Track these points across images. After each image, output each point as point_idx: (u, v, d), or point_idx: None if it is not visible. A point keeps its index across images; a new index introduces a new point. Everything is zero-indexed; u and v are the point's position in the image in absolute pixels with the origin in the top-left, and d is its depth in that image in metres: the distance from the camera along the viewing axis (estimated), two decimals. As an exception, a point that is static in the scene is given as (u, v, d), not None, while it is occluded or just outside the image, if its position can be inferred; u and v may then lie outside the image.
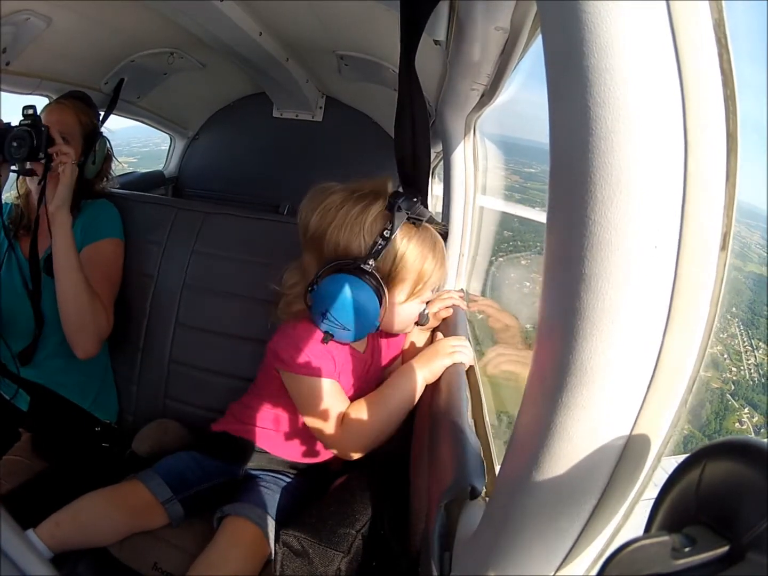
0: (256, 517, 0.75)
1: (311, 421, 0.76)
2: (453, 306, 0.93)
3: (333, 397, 0.76)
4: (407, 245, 0.74)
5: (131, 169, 1.93)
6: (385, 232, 0.72)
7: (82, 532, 0.74)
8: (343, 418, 0.75)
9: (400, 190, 0.79)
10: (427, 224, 0.77)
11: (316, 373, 0.76)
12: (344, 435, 0.74)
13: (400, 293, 0.77)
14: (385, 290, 0.73)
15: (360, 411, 0.75)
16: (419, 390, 0.77)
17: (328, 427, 0.75)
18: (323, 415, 0.75)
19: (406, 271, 0.75)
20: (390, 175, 0.81)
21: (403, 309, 0.79)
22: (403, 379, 0.77)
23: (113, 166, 1.19)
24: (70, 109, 1.05)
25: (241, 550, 0.72)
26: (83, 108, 1.08)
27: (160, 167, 2.03)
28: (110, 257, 1.06)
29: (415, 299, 0.79)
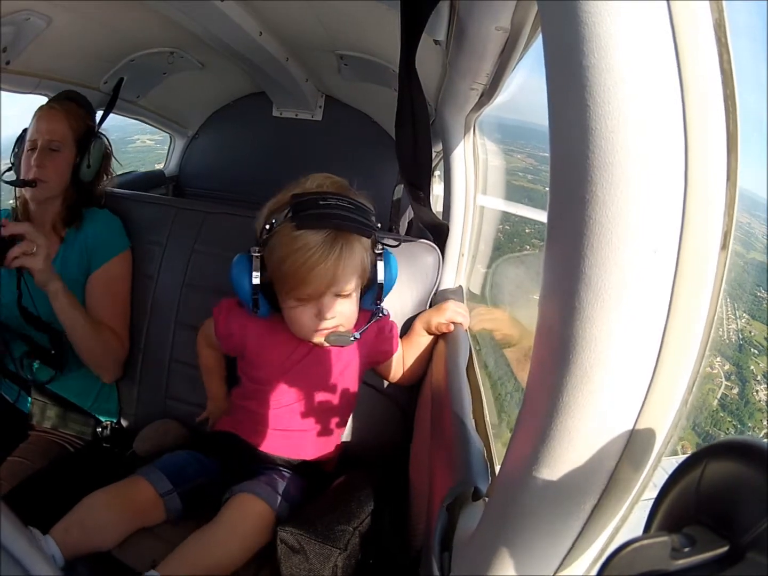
0: (265, 495, 0.76)
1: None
2: (455, 324, 0.90)
3: None
4: (276, 244, 0.75)
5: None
6: (267, 226, 0.76)
7: (89, 537, 0.74)
8: None
9: (347, 193, 0.77)
10: (331, 231, 0.73)
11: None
12: None
13: (280, 293, 0.78)
14: (253, 277, 0.77)
15: None
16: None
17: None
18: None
19: (272, 269, 0.76)
20: (390, 172, 0.81)
21: (287, 313, 0.79)
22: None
23: (113, 166, 1.17)
24: (60, 114, 1.00)
25: (248, 523, 0.73)
26: (75, 111, 1.03)
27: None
28: (121, 275, 1.07)
29: (294, 304, 0.77)
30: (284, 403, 0.86)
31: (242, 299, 0.80)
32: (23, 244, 0.84)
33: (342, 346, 0.82)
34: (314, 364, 0.85)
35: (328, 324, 0.78)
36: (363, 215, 0.76)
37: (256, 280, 0.77)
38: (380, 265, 0.80)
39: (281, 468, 0.86)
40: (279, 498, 0.77)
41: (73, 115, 1.02)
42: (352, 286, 0.77)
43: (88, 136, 1.04)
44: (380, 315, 0.85)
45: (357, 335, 0.80)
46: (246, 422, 0.88)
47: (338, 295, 0.77)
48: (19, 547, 0.30)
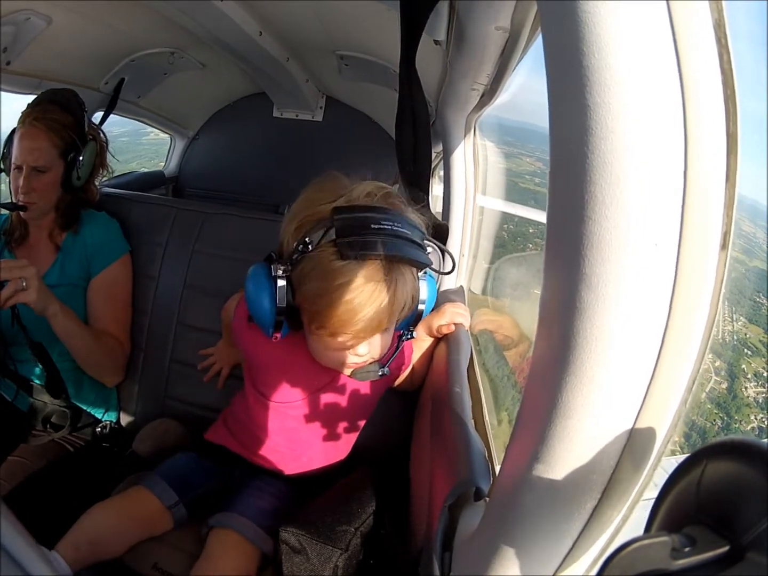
0: (239, 526, 0.74)
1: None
2: (456, 324, 0.86)
3: None
4: (310, 271, 0.61)
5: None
6: (300, 246, 0.61)
7: (98, 551, 0.74)
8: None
9: (373, 204, 0.63)
10: (377, 260, 0.60)
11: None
12: None
13: (307, 323, 0.66)
14: (278, 301, 0.64)
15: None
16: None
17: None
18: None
19: (302, 299, 0.63)
20: (394, 177, 0.76)
21: (314, 342, 0.68)
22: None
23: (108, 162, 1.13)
24: (40, 132, 0.95)
25: (228, 560, 0.72)
26: (58, 121, 0.96)
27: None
28: (121, 279, 1.07)
29: (320, 338, 0.66)
30: (296, 424, 0.81)
31: (258, 324, 0.67)
32: (11, 284, 0.80)
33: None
34: (337, 390, 0.79)
35: (360, 360, 0.68)
36: (419, 240, 0.64)
37: (281, 304, 0.64)
38: (423, 288, 0.68)
39: (278, 480, 0.85)
40: (254, 526, 0.74)
41: (55, 128, 0.96)
42: (395, 319, 0.66)
43: (75, 144, 0.99)
44: (409, 337, 0.75)
45: (386, 370, 0.72)
46: (248, 442, 0.85)
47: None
48: (18, 547, 0.30)
